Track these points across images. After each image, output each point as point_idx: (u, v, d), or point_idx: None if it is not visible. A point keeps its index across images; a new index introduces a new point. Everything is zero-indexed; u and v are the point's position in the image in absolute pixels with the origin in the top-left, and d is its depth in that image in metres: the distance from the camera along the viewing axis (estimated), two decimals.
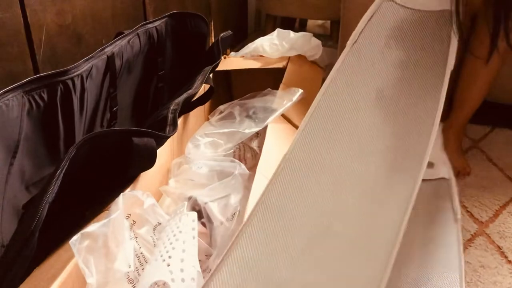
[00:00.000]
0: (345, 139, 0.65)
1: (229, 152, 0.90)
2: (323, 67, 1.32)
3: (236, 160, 0.82)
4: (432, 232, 0.83)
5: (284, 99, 1.00)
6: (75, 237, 0.52)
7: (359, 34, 0.77)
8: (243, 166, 0.78)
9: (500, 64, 1.11)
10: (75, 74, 0.69)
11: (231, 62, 1.23)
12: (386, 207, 0.58)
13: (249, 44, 1.27)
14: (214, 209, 0.70)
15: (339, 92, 0.71)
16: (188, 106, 0.92)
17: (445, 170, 0.97)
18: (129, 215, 0.62)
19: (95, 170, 0.62)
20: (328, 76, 0.73)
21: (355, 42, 0.76)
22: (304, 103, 1.06)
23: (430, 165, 0.97)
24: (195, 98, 0.94)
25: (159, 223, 0.63)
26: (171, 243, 0.55)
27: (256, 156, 0.93)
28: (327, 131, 0.66)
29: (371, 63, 0.74)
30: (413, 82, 0.71)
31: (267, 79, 1.15)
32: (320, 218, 0.57)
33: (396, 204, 0.57)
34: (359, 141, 0.65)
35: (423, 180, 0.93)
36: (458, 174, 1.11)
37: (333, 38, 1.78)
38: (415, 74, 0.72)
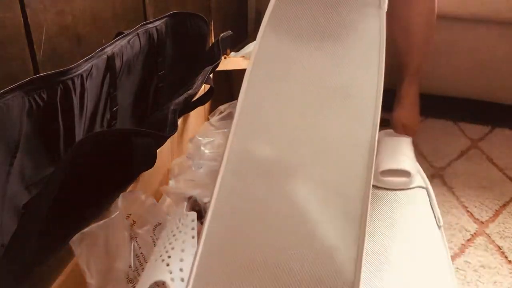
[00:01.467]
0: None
1: None
2: None
3: None
4: (418, 239, 0.81)
5: None
6: (75, 237, 0.53)
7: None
8: None
9: None
10: (75, 74, 0.69)
11: (231, 62, 1.23)
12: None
13: (249, 44, 1.27)
14: None
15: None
16: (188, 106, 0.92)
17: (419, 178, 0.95)
18: (129, 215, 0.62)
19: (95, 170, 0.62)
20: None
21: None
22: None
23: (407, 174, 0.93)
24: (195, 98, 0.94)
25: (159, 223, 0.63)
26: (170, 243, 0.55)
27: None
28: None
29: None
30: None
31: None
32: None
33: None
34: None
35: (400, 189, 0.92)
36: (405, 130, 1.03)
37: None
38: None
